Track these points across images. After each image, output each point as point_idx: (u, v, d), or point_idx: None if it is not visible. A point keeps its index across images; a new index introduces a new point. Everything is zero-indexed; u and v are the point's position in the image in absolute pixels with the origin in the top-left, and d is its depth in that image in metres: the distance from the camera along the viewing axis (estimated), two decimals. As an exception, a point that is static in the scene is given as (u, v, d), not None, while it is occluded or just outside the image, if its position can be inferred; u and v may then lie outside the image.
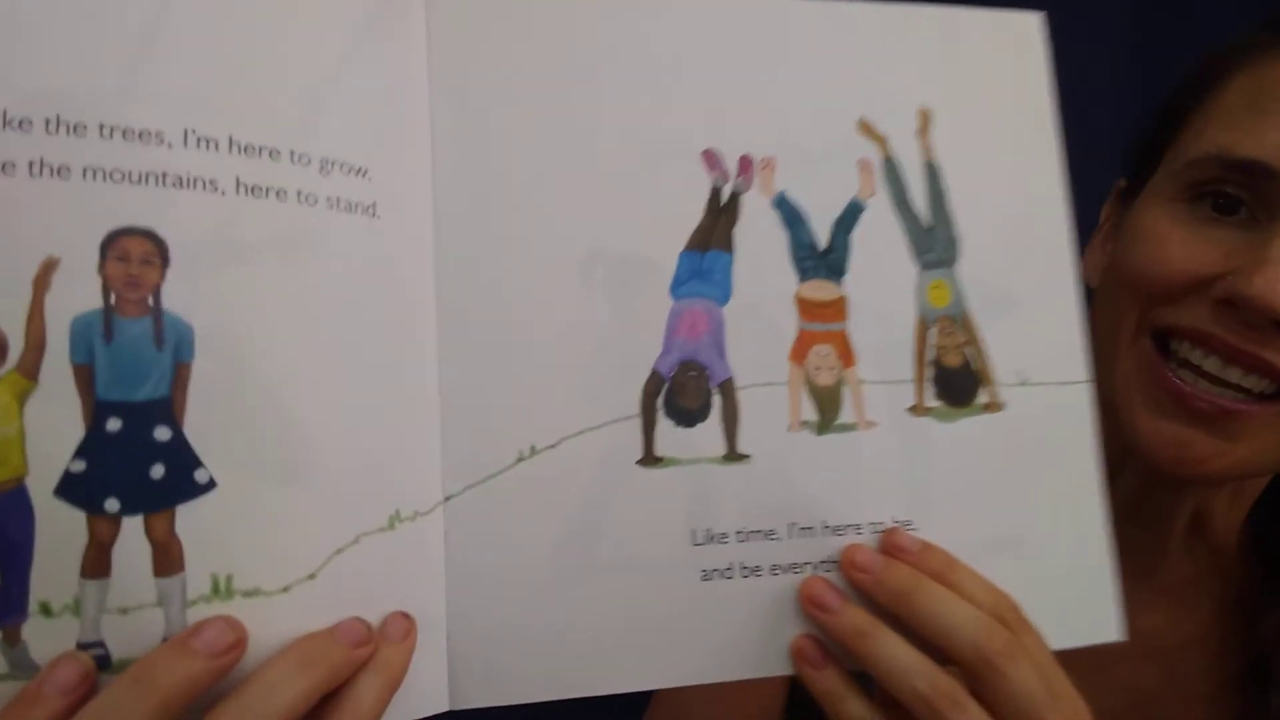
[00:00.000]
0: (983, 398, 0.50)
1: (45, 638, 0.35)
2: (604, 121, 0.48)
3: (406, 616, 0.40)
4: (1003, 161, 0.52)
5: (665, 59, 0.49)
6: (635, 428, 0.47)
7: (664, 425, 0.48)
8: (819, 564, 0.48)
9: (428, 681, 0.42)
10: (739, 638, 0.47)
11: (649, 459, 0.47)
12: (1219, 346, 0.54)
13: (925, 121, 0.52)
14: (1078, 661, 0.47)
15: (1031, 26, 0.53)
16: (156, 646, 0.35)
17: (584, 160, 0.48)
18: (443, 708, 0.43)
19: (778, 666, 0.47)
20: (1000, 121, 0.52)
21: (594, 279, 0.47)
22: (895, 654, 0.43)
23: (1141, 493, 0.62)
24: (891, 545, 0.47)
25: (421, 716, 0.42)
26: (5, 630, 0.35)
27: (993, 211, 0.51)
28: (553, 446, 0.46)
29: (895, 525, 0.48)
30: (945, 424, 0.49)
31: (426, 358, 0.44)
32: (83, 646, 0.36)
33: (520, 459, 0.46)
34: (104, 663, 0.36)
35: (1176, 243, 0.56)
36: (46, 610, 0.35)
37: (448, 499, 0.44)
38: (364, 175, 0.42)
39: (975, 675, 0.42)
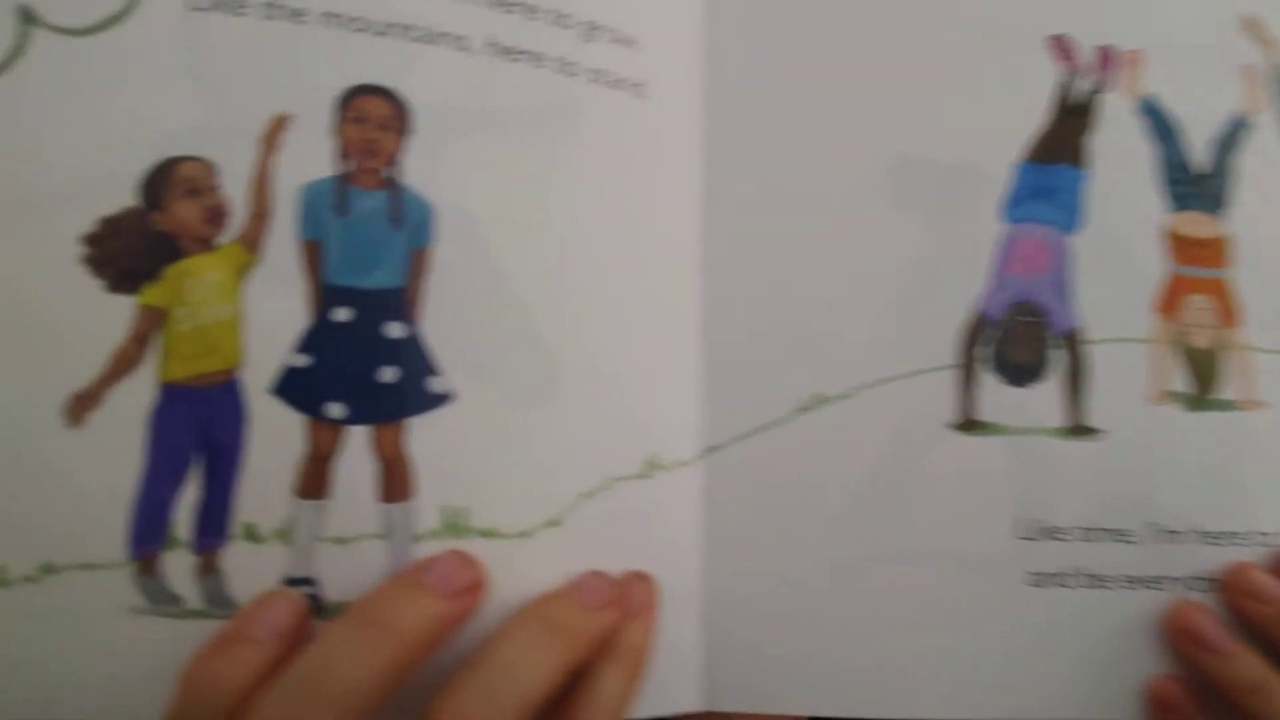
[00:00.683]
0: None
1: (248, 568, 0.30)
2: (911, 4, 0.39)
3: (646, 580, 0.32)
4: None
5: None
6: (951, 382, 0.38)
7: (988, 382, 0.38)
8: (1188, 581, 0.37)
9: (678, 671, 0.34)
10: (1072, 668, 0.37)
11: (967, 423, 0.38)
12: None
13: None
14: None
15: None
16: (381, 584, 0.29)
17: (894, 43, 0.39)
18: (696, 707, 0.35)
19: (1122, 712, 0.36)
20: None
21: (905, 192, 0.38)
22: (1244, 672, 0.32)
23: None
24: None
25: (670, 714, 0.34)
26: (203, 556, 0.29)
27: None
28: (844, 397, 0.38)
29: None
30: None
31: (689, 278, 0.36)
32: (291, 582, 0.29)
33: (801, 409, 0.37)
34: (315, 603, 0.30)
35: None
36: (252, 535, 0.30)
37: (710, 450, 0.36)
38: (632, 46, 0.35)
39: None
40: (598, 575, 0.32)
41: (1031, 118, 0.40)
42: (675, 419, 0.36)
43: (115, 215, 0.30)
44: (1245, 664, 0.34)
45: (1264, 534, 0.37)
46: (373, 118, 0.31)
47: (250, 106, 0.30)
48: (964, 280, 0.39)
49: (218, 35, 0.30)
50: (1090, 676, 0.37)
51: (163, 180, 0.30)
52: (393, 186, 0.31)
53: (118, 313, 0.30)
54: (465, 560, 0.30)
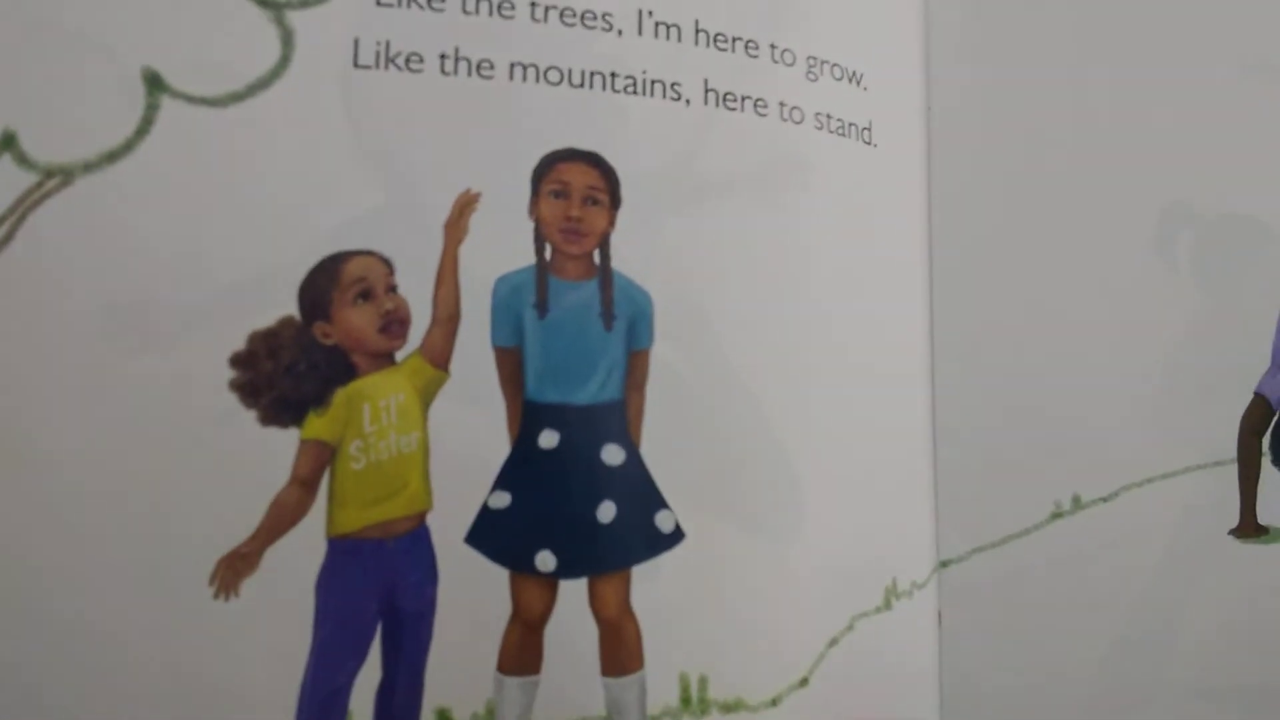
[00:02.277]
0: None
1: (444, 763, 0.24)
2: (1191, 21, 0.34)
3: None
4: None
5: None
6: (1229, 478, 0.33)
7: (1273, 478, 0.33)
8: None
9: None
10: None
11: (1249, 528, 0.32)
12: None
13: None
14: None
15: None
16: None
17: (1157, 76, 0.34)
18: None
19: None
20: None
21: (1172, 250, 0.33)
22: None
23: None
24: None
25: None
26: None
27: None
28: (1106, 499, 0.32)
29: None
30: None
31: (919, 363, 0.31)
32: None
33: (1056, 514, 0.32)
34: None
35: None
36: (447, 720, 0.24)
37: (944, 565, 0.31)
38: (858, 83, 0.30)
39: None
40: None
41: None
42: (912, 534, 0.31)
43: (270, 328, 0.25)
44: None
45: None
46: (577, 189, 0.26)
47: (430, 185, 0.25)
48: (1243, 355, 0.34)
49: (388, 97, 0.26)
50: None
51: (328, 282, 0.25)
52: (603, 275, 0.26)
53: (277, 450, 0.24)
54: None
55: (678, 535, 0.26)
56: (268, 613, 0.24)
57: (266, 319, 0.25)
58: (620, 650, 0.25)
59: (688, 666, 0.26)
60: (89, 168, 0.25)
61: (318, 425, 0.25)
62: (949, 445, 0.33)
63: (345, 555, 0.25)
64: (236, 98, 0.25)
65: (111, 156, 0.25)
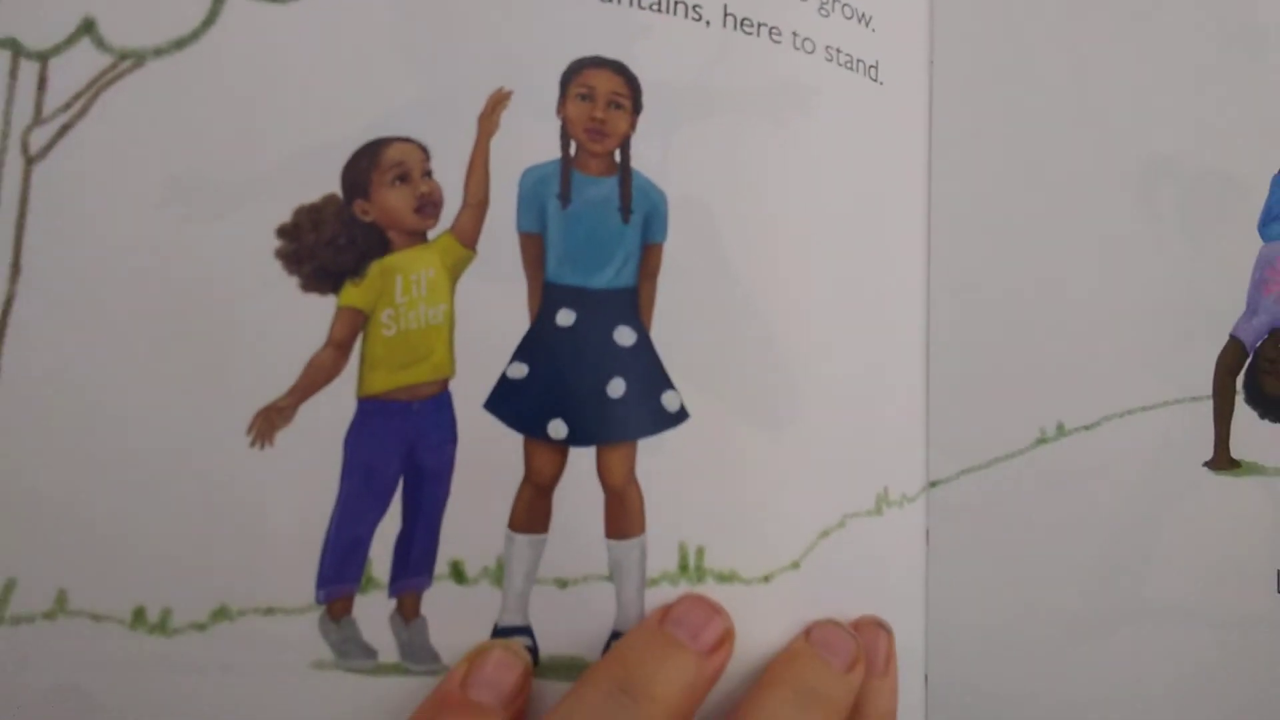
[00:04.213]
0: None
1: (453, 614, 0.25)
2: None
3: (886, 632, 0.28)
4: None
5: None
6: (1205, 414, 0.34)
7: (1245, 415, 0.34)
8: None
9: None
10: None
11: (1222, 460, 0.34)
12: None
13: None
14: None
15: None
16: (627, 636, 0.25)
17: (1142, 38, 0.35)
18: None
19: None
20: None
21: (1156, 201, 0.34)
22: None
23: None
24: None
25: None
26: (402, 600, 0.25)
27: None
28: (1088, 428, 0.33)
29: None
30: None
31: (916, 291, 0.32)
32: (503, 632, 0.25)
33: (1041, 440, 0.33)
34: (530, 658, 0.25)
35: None
36: (459, 574, 0.25)
37: (934, 485, 0.32)
38: (867, 24, 0.31)
39: None
40: (840, 629, 0.27)
41: (1291, 117, 0.35)
42: (905, 449, 0.32)
43: (314, 204, 0.26)
44: None
45: None
46: (601, 94, 0.27)
47: (466, 81, 0.27)
48: (1219, 302, 0.35)
49: (431, 3, 0.27)
50: None
51: (369, 164, 0.26)
52: (623, 173, 0.27)
53: (315, 315, 0.26)
54: (713, 608, 0.25)
55: (682, 415, 0.27)
56: (299, 463, 0.26)
57: (311, 195, 0.26)
58: (623, 516, 0.26)
59: (686, 536, 0.27)
60: (159, 53, 0.26)
61: (354, 294, 0.26)
62: (941, 370, 0.34)
63: (373, 414, 0.26)
64: (291, -7, 0.27)
65: (180, 44, 0.26)
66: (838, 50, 0.31)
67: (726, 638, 0.25)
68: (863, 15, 0.32)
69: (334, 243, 0.26)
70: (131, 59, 0.26)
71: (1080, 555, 0.34)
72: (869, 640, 0.28)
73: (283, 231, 0.26)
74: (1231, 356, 0.35)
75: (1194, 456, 0.34)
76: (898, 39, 0.33)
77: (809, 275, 0.29)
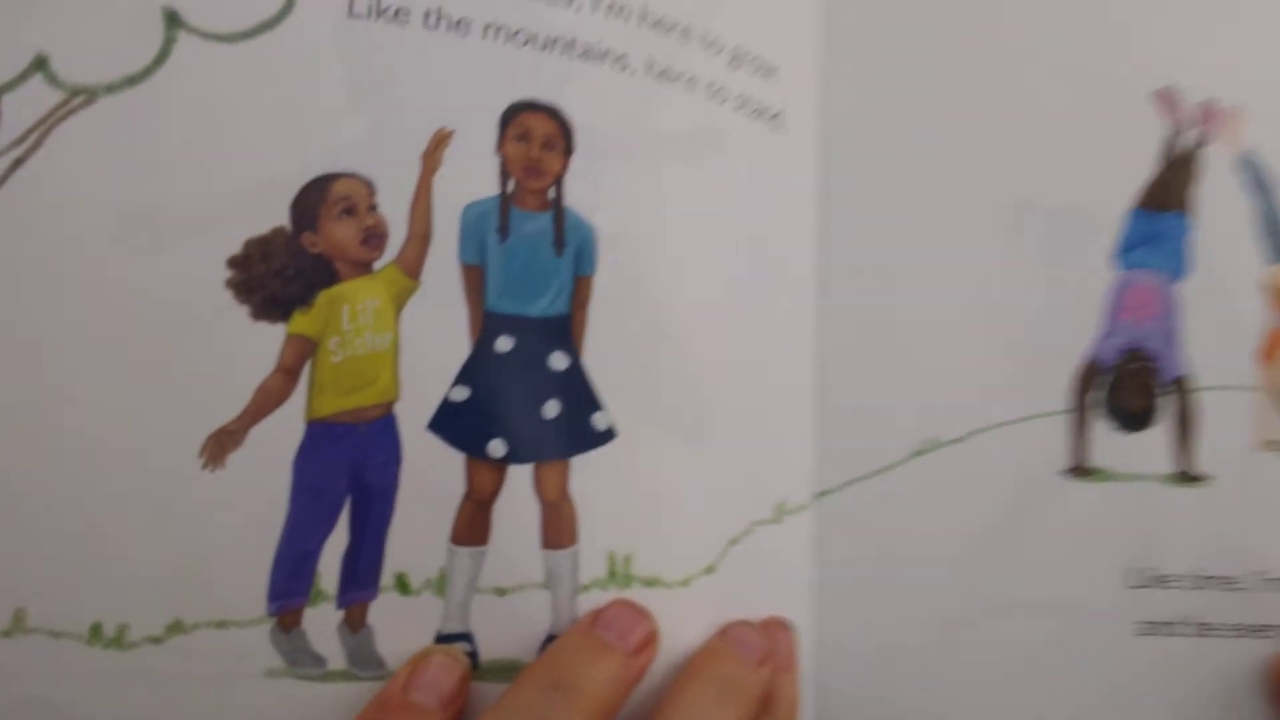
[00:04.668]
0: None
1: (398, 623, 0.27)
2: (1038, 47, 0.40)
3: (789, 630, 0.31)
4: None
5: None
6: (1063, 427, 0.38)
7: (1100, 427, 0.38)
8: None
9: None
10: (1181, 718, 0.37)
11: (1079, 469, 0.38)
12: None
13: None
14: None
15: None
16: (561, 639, 0.27)
17: (1012, 89, 0.39)
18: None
19: (1231, 761, 0.36)
20: None
21: (1022, 236, 0.38)
22: None
23: None
24: None
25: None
26: (350, 611, 0.26)
27: None
28: (958, 441, 0.37)
29: None
30: None
31: (807, 317, 0.35)
32: (445, 638, 0.27)
33: (916, 453, 0.37)
34: (470, 662, 0.27)
35: None
36: (404, 586, 0.27)
37: (822, 495, 0.35)
38: (772, 76, 0.34)
39: None
40: (751, 628, 0.30)
41: (1141, 167, 0.40)
42: (798, 462, 0.35)
43: (264, 236, 0.27)
44: None
45: None
46: (536, 135, 0.29)
47: (411, 121, 0.28)
48: (1077, 326, 0.39)
49: (378, 45, 0.28)
50: None
51: (317, 198, 0.27)
52: (556, 209, 0.29)
53: (264, 342, 0.27)
54: (639, 612, 0.28)
55: (610, 434, 0.29)
56: (250, 484, 0.27)
57: (261, 228, 0.28)
58: (558, 527, 0.28)
59: (615, 546, 0.29)
60: (111, 89, 0.27)
61: (302, 322, 0.28)
62: (829, 389, 0.37)
63: (321, 437, 0.27)
64: (245, 35, 0.28)
65: (131, 81, 0.27)
66: (746, 99, 0.34)
67: (651, 639, 0.28)
68: (768, 68, 0.34)
69: (283, 273, 0.27)
70: (83, 95, 0.27)
71: (952, 556, 0.37)
72: (775, 638, 0.31)
73: (233, 262, 0.27)
74: (1089, 375, 0.39)
75: (1053, 465, 0.38)
76: (798, 89, 0.36)
77: (718, 304, 0.32)
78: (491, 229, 0.29)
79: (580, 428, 0.29)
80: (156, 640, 0.26)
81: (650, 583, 0.29)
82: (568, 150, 0.30)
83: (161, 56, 0.27)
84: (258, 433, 0.27)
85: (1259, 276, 0.40)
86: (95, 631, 0.26)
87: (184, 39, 0.27)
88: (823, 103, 0.38)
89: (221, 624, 0.26)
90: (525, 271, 0.29)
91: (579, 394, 0.29)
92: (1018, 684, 0.37)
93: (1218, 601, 0.38)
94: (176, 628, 0.26)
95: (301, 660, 0.27)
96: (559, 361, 0.29)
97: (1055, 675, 0.37)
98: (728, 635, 0.30)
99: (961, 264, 0.39)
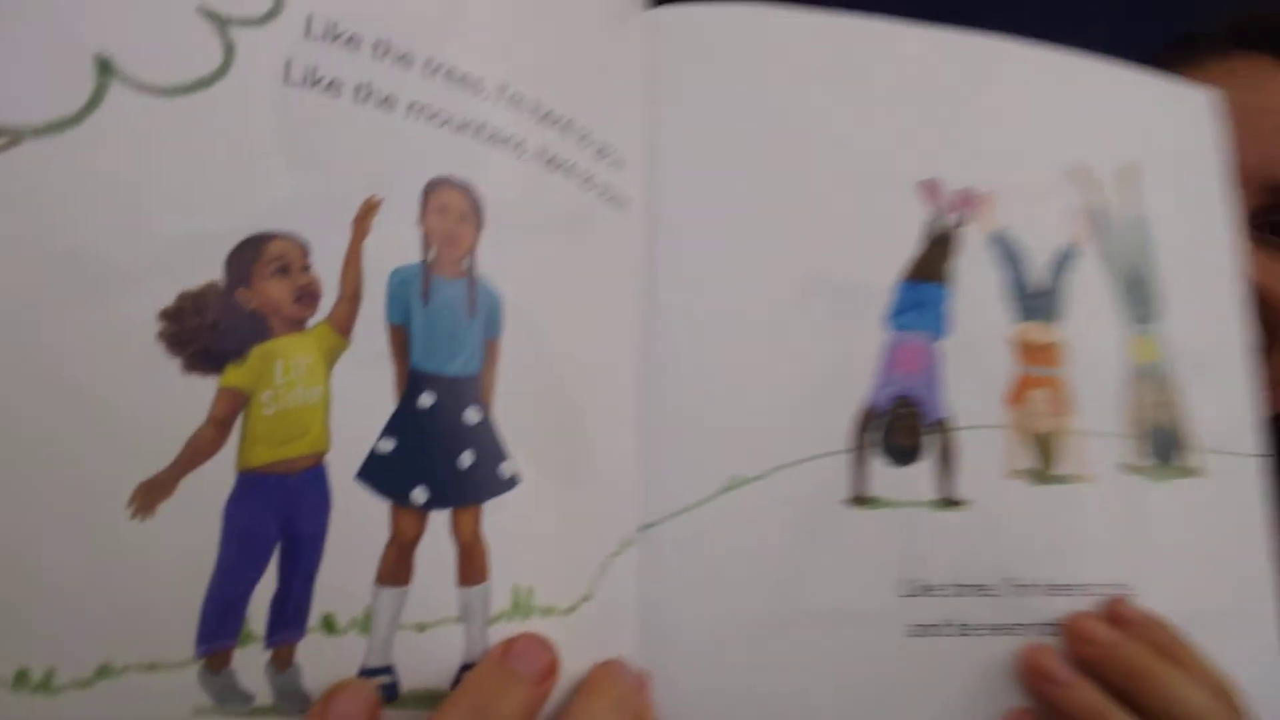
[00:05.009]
0: (1184, 460, 0.50)
1: (324, 661, 0.29)
2: (826, 148, 0.47)
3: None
4: (1194, 225, 0.53)
5: (885, 93, 0.49)
6: (846, 464, 0.44)
7: (876, 463, 0.45)
8: (1037, 627, 0.44)
9: None
10: (948, 705, 0.44)
11: (859, 498, 0.44)
12: None
13: (1132, 176, 0.53)
14: None
15: (1213, 101, 0.55)
16: (476, 670, 0.29)
17: (806, 185, 0.46)
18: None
19: (989, 744, 0.43)
20: (1193, 185, 0.54)
21: (812, 305, 0.45)
22: None
23: None
24: (1118, 615, 0.43)
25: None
26: (277, 650, 0.28)
27: (1193, 273, 0.52)
28: (759, 478, 0.43)
29: (1119, 592, 0.46)
30: (1157, 483, 0.49)
31: (637, 370, 0.40)
32: (369, 672, 0.29)
33: (725, 489, 0.42)
34: (390, 693, 0.29)
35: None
36: (330, 626, 0.29)
37: (645, 528, 0.40)
38: (623, 168, 0.39)
39: None
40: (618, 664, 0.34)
41: (908, 245, 0.48)
42: (630, 498, 0.39)
43: (198, 290, 0.28)
44: (1084, 693, 0.42)
45: (1097, 585, 0.46)
46: (454, 209, 0.32)
47: (343, 187, 0.30)
48: (856, 378, 0.46)
49: (312, 113, 0.30)
50: (960, 711, 0.44)
51: (253, 256, 0.29)
52: (469, 277, 0.32)
53: (196, 395, 0.28)
54: (544, 643, 0.31)
55: (514, 481, 0.32)
56: (181, 531, 0.27)
57: (194, 282, 0.28)
58: (472, 566, 0.31)
59: (519, 580, 0.32)
60: (37, 132, 0.27)
61: (235, 375, 0.28)
62: (653, 437, 0.41)
63: (252, 486, 0.28)
64: (181, 91, 0.28)
65: (60, 126, 0.27)
66: (606, 186, 0.38)
67: (554, 666, 0.31)
68: (621, 160, 0.39)
69: (216, 327, 0.28)
70: (7, 137, 0.26)
71: (758, 575, 0.42)
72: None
73: (165, 314, 0.27)
74: (866, 419, 0.46)
75: (838, 495, 0.45)
76: (639, 180, 0.40)
77: (592, 360, 0.36)
78: (415, 293, 0.31)
79: (490, 476, 0.31)
80: (84, 684, 0.26)
81: (547, 612, 0.32)
82: (479, 224, 0.32)
83: (92, 104, 0.27)
84: (189, 481, 0.27)
85: (1007, 334, 0.49)
86: (20, 677, 0.25)
87: (116, 88, 0.28)
88: (656, 192, 0.42)
89: (151, 667, 0.27)
90: (444, 333, 0.31)
91: (490, 445, 0.32)
92: (816, 681, 0.42)
93: (975, 606, 0.44)
94: (105, 671, 0.26)
95: (230, 699, 0.28)
96: (472, 416, 0.31)
97: (845, 671, 0.43)
98: (607, 668, 0.33)
99: (763, 327, 0.45)
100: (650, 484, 0.40)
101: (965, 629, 0.43)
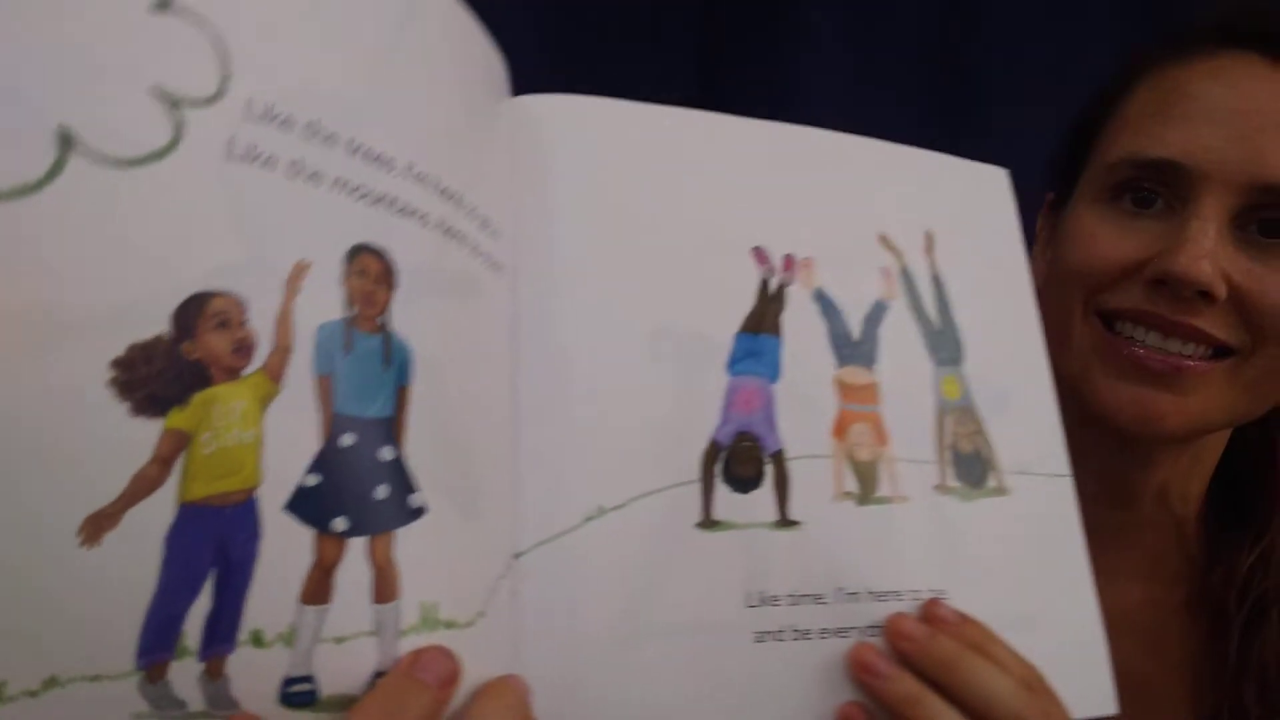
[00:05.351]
0: (992, 482, 0.58)
1: (252, 671, 0.32)
2: (670, 222, 0.53)
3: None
4: (989, 281, 0.62)
5: (721, 174, 0.55)
6: (696, 492, 0.50)
7: (721, 491, 0.51)
8: (865, 629, 0.49)
9: None
10: (790, 701, 0.49)
11: (707, 522, 0.50)
12: (1157, 321, 0.60)
13: (930, 242, 0.61)
14: None
15: (1003, 176, 0.65)
16: (387, 678, 0.34)
17: (654, 253, 0.52)
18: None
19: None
20: (986, 248, 0.63)
21: (661, 354, 0.51)
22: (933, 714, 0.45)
23: (1111, 473, 0.67)
24: (933, 616, 0.48)
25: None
26: (209, 662, 0.32)
27: (985, 322, 0.61)
28: (620, 507, 0.47)
29: (934, 596, 0.52)
30: (965, 503, 0.56)
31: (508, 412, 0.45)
32: (290, 680, 0.33)
33: (589, 518, 0.47)
34: (309, 698, 0.33)
35: (1105, 237, 0.64)
36: (258, 640, 0.32)
37: (518, 555, 0.44)
38: (501, 238, 0.44)
39: None
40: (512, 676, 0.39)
41: (744, 302, 0.55)
42: (503, 529, 0.44)
43: (147, 342, 0.31)
44: (903, 684, 0.48)
45: (912, 591, 0.53)
46: (372, 272, 0.36)
47: (277, 252, 0.34)
48: (703, 417, 0.52)
49: (251, 185, 0.33)
50: (801, 706, 0.49)
51: (196, 312, 0.32)
52: (385, 332, 0.36)
53: (142, 436, 0.31)
54: (447, 653, 0.35)
55: (422, 510, 0.36)
56: (124, 558, 0.30)
57: (145, 335, 0.31)
58: (385, 586, 0.35)
59: (426, 598, 0.36)
60: (3, 196, 0.29)
61: (178, 418, 0.32)
62: (525, 472, 0.45)
63: (191, 517, 0.32)
64: (135, 163, 0.31)
65: (24, 191, 0.30)
66: (489, 254, 0.43)
67: (455, 674, 0.35)
68: (498, 232, 0.44)
69: (163, 375, 0.31)
70: (-27, 198, 0.29)
71: (620, 593, 0.47)
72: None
73: (117, 363, 0.31)
74: (712, 452, 0.52)
75: (689, 520, 0.50)
76: (512, 248, 0.45)
77: (481, 404, 0.41)
78: (339, 346, 0.35)
79: (402, 507, 0.36)
80: (33, 694, 0.29)
81: (450, 625, 0.37)
82: (392, 285, 0.37)
83: (53, 172, 0.30)
84: (134, 512, 0.30)
85: (830, 376, 0.56)
86: (-24, 688, 0.28)
87: (76, 159, 0.30)
88: (525, 258, 0.48)
89: (95, 678, 0.29)
90: (363, 381, 0.35)
91: (401, 480, 0.36)
92: (674, 686, 0.47)
93: (811, 613, 0.49)
94: (52, 682, 0.29)
95: (165, 705, 0.31)
96: (387, 454, 0.36)
97: (699, 680, 0.47)
98: (502, 681, 0.38)
99: (621, 374, 0.50)
100: (523, 514, 0.44)
101: (803, 634, 0.48)
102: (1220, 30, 0.63)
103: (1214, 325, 0.60)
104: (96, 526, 0.29)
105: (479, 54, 0.45)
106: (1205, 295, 0.59)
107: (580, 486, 0.46)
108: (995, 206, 0.63)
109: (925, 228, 0.60)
